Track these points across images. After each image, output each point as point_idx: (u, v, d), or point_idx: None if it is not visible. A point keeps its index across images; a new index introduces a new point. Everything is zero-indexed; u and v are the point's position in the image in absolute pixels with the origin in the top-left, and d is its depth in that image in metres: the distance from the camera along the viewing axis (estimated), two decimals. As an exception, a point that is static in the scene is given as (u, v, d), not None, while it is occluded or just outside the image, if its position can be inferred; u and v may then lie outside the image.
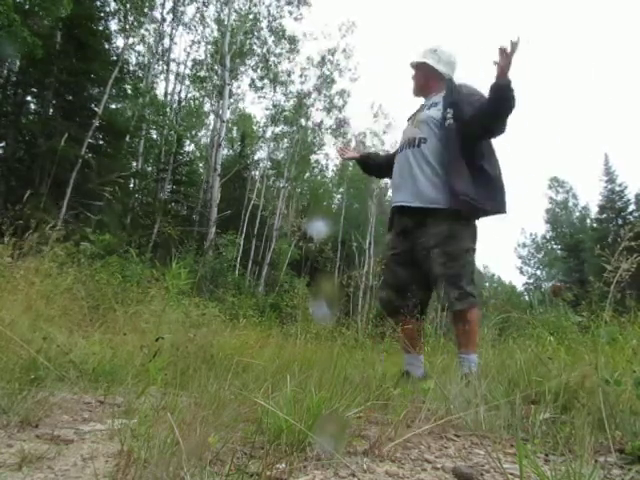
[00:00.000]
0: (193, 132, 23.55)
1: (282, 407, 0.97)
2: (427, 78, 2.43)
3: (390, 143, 22.17)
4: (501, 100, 2.05)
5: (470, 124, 2.17)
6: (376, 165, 2.75)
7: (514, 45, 1.95)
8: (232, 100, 20.36)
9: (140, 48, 18.46)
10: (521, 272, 38.02)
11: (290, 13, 18.49)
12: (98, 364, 1.76)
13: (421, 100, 2.52)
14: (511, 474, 0.88)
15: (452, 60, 2.43)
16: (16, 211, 2.54)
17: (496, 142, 2.33)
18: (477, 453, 1.07)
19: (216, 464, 0.86)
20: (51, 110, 12.91)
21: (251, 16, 18.27)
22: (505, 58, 1.97)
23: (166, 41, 18.83)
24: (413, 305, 2.25)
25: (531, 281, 37.41)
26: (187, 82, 19.83)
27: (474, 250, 2.22)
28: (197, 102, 22.30)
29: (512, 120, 2.20)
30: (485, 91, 2.15)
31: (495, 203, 2.21)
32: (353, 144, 21.64)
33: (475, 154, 2.23)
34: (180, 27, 18.74)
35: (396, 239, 2.36)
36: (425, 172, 2.22)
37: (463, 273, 2.11)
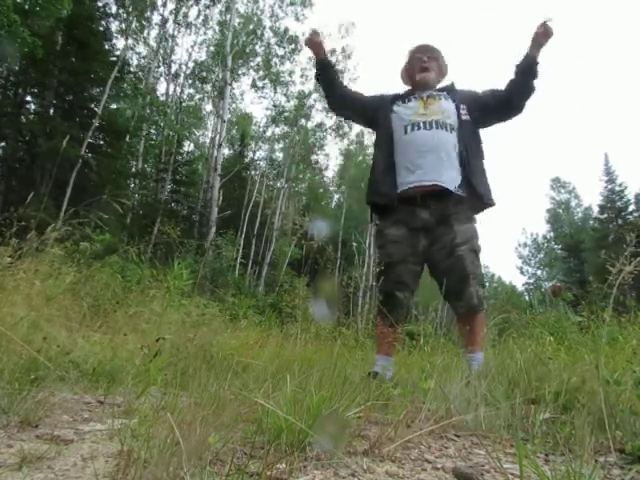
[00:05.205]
0: (193, 132, 23.53)
1: (282, 407, 0.97)
2: (438, 74, 2.41)
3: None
4: (532, 72, 2.13)
5: (491, 99, 2.24)
6: (333, 77, 2.44)
7: (549, 28, 2.05)
8: (232, 101, 20.39)
9: (141, 49, 18.51)
10: (521, 272, 38.10)
11: (294, 13, 18.52)
12: (98, 364, 1.76)
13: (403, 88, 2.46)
14: (511, 474, 0.88)
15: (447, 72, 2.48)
16: (17, 212, 2.54)
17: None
18: (477, 453, 1.07)
19: (216, 464, 0.86)
20: (51, 110, 12.92)
21: (255, 18, 18.29)
22: (545, 35, 2.06)
23: (168, 42, 18.85)
24: (411, 306, 2.26)
25: (531, 281, 37.47)
26: (188, 82, 19.84)
27: None
28: (197, 102, 22.30)
29: (513, 120, 2.23)
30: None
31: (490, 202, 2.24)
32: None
33: (481, 151, 2.27)
34: (182, 29, 18.78)
35: (413, 235, 2.15)
36: (454, 160, 2.15)
37: (482, 272, 2.15)
